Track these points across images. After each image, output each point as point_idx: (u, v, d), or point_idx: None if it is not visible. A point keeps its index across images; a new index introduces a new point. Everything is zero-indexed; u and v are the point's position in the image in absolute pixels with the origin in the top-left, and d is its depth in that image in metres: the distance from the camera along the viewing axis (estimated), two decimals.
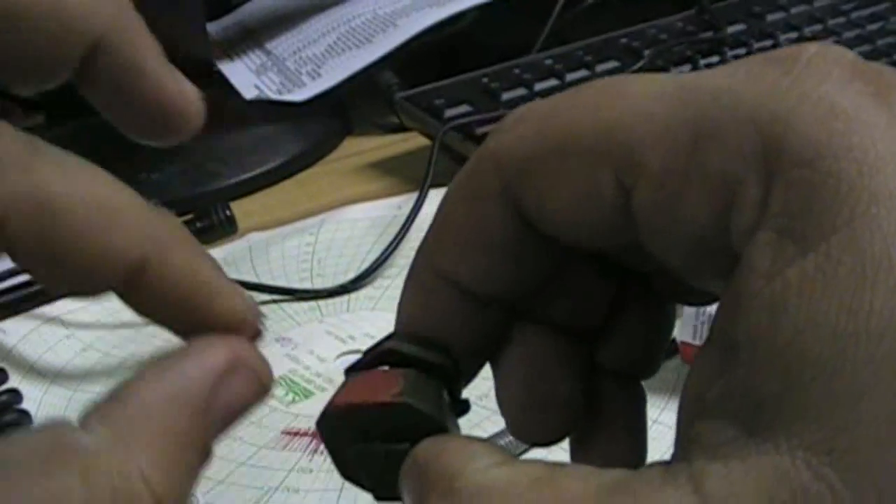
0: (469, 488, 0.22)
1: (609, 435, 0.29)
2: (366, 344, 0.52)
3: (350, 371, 0.28)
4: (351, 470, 0.28)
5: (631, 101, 0.23)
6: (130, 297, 0.27)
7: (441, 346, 0.27)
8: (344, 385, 0.27)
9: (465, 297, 0.27)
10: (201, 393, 0.24)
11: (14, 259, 0.25)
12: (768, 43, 0.76)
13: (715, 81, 0.22)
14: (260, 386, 0.25)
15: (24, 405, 0.47)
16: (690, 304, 0.30)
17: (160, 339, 0.53)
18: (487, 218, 0.25)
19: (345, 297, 0.57)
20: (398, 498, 0.26)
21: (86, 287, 0.26)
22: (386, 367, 0.27)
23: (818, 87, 0.20)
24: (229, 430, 0.25)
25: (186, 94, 0.29)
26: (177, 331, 0.28)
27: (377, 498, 0.27)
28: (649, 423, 0.44)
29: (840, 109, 0.20)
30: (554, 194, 0.24)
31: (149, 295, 0.26)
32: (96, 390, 0.52)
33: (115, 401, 0.23)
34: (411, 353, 0.27)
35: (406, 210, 0.62)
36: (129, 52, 0.28)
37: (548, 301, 0.28)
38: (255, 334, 0.28)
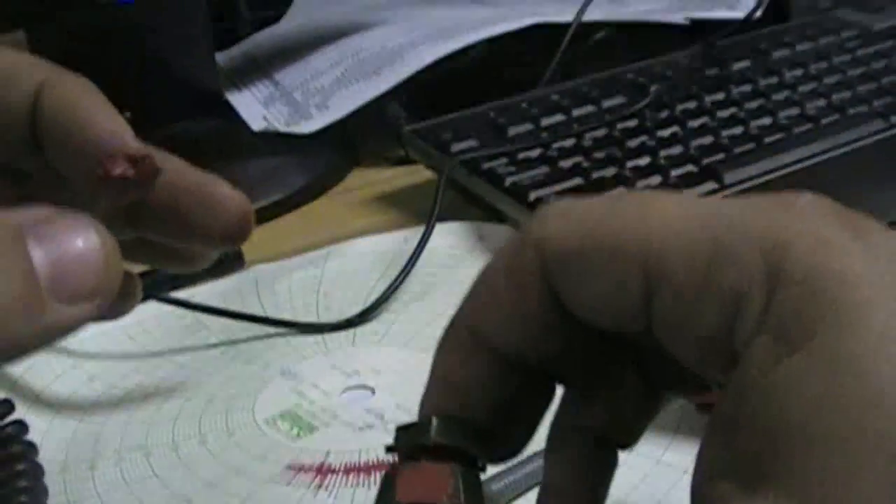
0: None
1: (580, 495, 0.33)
2: (371, 379, 0.52)
3: (392, 450, 0.32)
4: None
5: (663, 218, 0.28)
6: (36, 126, 0.30)
7: (471, 426, 0.31)
8: (395, 476, 0.30)
9: (499, 360, 0.31)
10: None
11: None
12: (773, 80, 0.77)
13: (731, 211, 0.27)
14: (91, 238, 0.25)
15: (30, 436, 0.48)
16: (681, 394, 0.34)
17: (164, 370, 0.53)
18: (526, 293, 0.30)
19: (350, 331, 0.57)
20: None
21: (4, 110, 0.30)
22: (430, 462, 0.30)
23: (810, 224, 0.26)
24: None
25: (119, 134, 0.30)
26: (70, 165, 0.31)
27: None
28: (654, 462, 0.44)
29: (827, 242, 0.25)
30: (588, 285, 0.29)
31: (45, 114, 0.30)
32: (101, 421, 0.52)
33: None
34: (454, 444, 0.31)
35: (412, 244, 0.62)
36: (71, 94, 0.30)
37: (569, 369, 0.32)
38: (137, 158, 0.29)
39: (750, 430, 0.24)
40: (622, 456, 0.45)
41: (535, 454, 0.45)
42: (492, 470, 0.44)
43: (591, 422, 0.33)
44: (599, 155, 0.67)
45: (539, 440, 0.46)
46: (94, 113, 0.30)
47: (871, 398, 0.23)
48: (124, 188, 0.30)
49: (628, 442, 0.34)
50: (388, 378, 0.52)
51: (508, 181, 0.64)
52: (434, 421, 0.31)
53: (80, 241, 0.25)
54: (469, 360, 0.31)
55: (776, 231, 0.26)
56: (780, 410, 0.24)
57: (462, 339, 0.31)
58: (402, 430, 0.32)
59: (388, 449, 0.32)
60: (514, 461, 0.44)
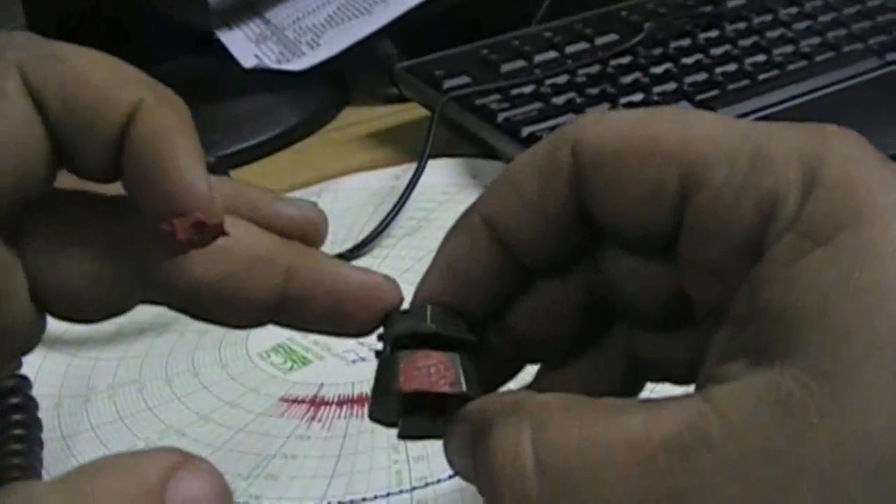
0: (533, 404, 0.27)
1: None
2: None
3: (392, 344, 0.31)
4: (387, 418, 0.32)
5: (704, 126, 0.29)
6: (121, 152, 0.29)
7: (465, 317, 0.32)
8: (393, 363, 0.30)
9: (509, 257, 0.31)
10: (153, 487, 0.24)
11: (43, 110, 0.29)
12: (768, 18, 0.76)
13: (769, 128, 0.28)
14: (214, 478, 0.25)
15: (24, 370, 0.48)
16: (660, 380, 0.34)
17: (157, 308, 0.53)
18: (553, 193, 0.30)
19: None
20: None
21: (96, 129, 0.29)
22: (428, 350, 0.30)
23: (844, 144, 0.27)
24: None
25: (194, 183, 0.29)
26: (142, 203, 0.30)
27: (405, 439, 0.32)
28: (646, 391, 0.44)
29: (858, 158, 0.27)
30: (621, 189, 0.29)
31: (131, 148, 0.29)
32: (95, 356, 0.52)
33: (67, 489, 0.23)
34: (450, 335, 0.31)
35: (405, 180, 0.62)
36: (163, 129, 0.30)
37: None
38: (207, 225, 0.29)
39: (764, 318, 0.25)
40: None
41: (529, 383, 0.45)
42: (514, 384, 0.44)
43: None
44: (593, 91, 0.66)
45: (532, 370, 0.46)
46: (179, 158, 0.29)
47: (887, 288, 0.24)
48: (183, 248, 0.30)
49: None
50: None
51: (501, 117, 0.64)
52: (430, 309, 0.31)
53: (205, 485, 0.25)
54: (479, 251, 0.31)
55: (813, 145, 0.27)
56: (796, 297, 0.25)
57: (476, 228, 0.31)
58: (396, 317, 0.32)
59: (379, 337, 0.32)
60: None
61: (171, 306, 0.33)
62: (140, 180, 0.29)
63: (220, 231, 0.29)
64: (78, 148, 0.30)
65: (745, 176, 0.27)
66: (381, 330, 0.33)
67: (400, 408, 0.30)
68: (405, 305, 0.33)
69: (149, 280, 0.32)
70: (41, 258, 0.31)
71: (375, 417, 0.32)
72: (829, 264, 0.25)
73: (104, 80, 0.30)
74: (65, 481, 0.23)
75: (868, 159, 0.27)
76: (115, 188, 0.31)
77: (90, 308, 0.32)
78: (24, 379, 0.47)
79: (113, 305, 0.32)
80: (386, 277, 0.34)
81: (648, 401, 0.26)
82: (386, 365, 0.31)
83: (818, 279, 0.25)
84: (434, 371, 0.30)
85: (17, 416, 0.45)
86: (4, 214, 0.29)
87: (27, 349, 0.32)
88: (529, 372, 0.35)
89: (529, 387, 0.34)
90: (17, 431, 0.44)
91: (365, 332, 0.34)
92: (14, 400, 0.46)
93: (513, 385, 0.35)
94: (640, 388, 0.35)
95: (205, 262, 0.32)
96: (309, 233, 0.35)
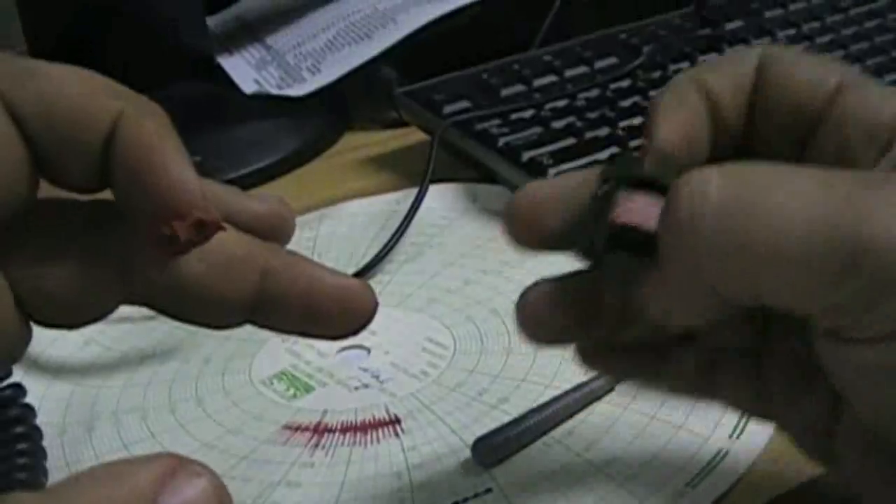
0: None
1: None
2: (366, 339, 0.52)
3: (612, 183, 0.32)
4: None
5: None
6: (107, 162, 0.30)
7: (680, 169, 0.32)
8: (614, 197, 0.31)
9: (714, 117, 0.34)
10: (146, 494, 0.24)
11: (23, 127, 0.29)
12: (767, 40, 0.76)
13: None
14: (210, 482, 0.25)
15: (28, 399, 0.48)
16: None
17: (160, 332, 0.54)
18: (744, 81, 0.34)
19: None
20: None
21: (78, 142, 0.30)
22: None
23: None
24: None
25: (189, 184, 0.30)
26: (136, 209, 0.30)
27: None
28: (647, 419, 0.45)
29: None
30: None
31: (117, 157, 0.30)
32: (98, 384, 0.52)
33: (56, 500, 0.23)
34: (667, 182, 0.31)
35: (405, 205, 0.62)
36: (148, 135, 0.30)
37: None
38: (207, 223, 0.29)
39: None
40: (618, 412, 0.45)
41: (554, 399, 0.45)
42: (515, 412, 0.45)
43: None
44: (592, 115, 0.67)
45: (537, 397, 0.47)
46: (167, 162, 0.30)
47: None
48: (186, 248, 0.30)
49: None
50: (382, 338, 0.52)
51: (501, 142, 0.64)
52: (650, 157, 0.33)
53: (199, 491, 0.25)
54: (695, 107, 0.34)
55: None
56: None
57: (688, 89, 0.34)
58: (620, 160, 0.34)
59: (601, 174, 0.33)
60: (512, 417, 0.44)
61: (150, 306, 0.33)
62: (132, 188, 0.30)
63: (217, 227, 0.30)
64: (61, 161, 0.30)
65: None
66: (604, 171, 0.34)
67: (609, 241, 0.31)
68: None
69: (130, 282, 0.32)
70: (24, 267, 0.31)
71: (583, 247, 0.34)
72: None
73: (82, 93, 0.30)
74: (54, 492, 0.23)
75: None
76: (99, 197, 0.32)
77: (74, 313, 0.32)
78: (29, 407, 0.47)
79: (96, 309, 0.33)
80: (362, 282, 0.34)
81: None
82: (603, 199, 0.32)
83: None
84: (647, 211, 0.31)
85: (21, 445, 0.45)
86: None
87: (14, 358, 0.33)
88: None
89: None
90: (22, 461, 0.45)
91: (341, 336, 0.34)
92: (18, 429, 0.46)
93: None
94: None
95: (183, 262, 0.32)
96: (276, 227, 0.35)
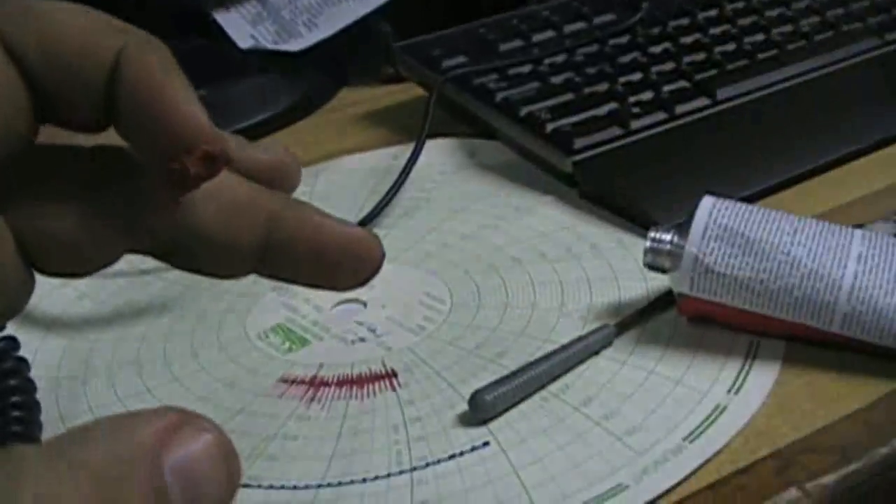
0: None
1: None
2: (362, 293, 0.52)
3: None
4: None
5: None
6: (111, 99, 0.29)
7: None
8: None
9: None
10: (148, 449, 0.23)
11: (23, 65, 0.29)
12: None
13: None
14: (216, 437, 0.24)
15: (22, 352, 0.47)
16: None
17: (155, 287, 0.53)
18: None
19: None
20: None
21: (81, 79, 0.29)
22: None
23: None
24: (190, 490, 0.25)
25: (196, 117, 0.29)
26: (143, 145, 0.30)
27: None
28: (645, 373, 0.44)
29: None
30: None
31: (122, 92, 0.29)
32: (93, 338, 0.52)
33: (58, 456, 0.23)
34: None
35: (402, 160, 0.62)
36: (151, 69, 0.29)
37: None
38: (216, 156, 0.29)
39: None
40: (616, 367, 0.45)
41: (552, 353, 0.45)
42: (512, 365, 0.44)
43: None
44: (591, 70, 0.66)
45: (534, 352, 0.46)
46: (174, 95, 0.29)
47: None
48: (196, 182, 0.30)
49: None
50: (379, 292, 0.52)
51: (499, 97, 0.64)
52: None
53: (204, 446, 0.24)
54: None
55: None
56: None
57: None
58: None
59: None
60: (509, 371, 0.44)
61: (155, 255, 0.33)
62: (139, 123, 0.29)
63: (227, 159, 0.29)
64: (63, 100, 0.30)
65: None
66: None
67: None
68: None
69: (135, 229, 0.31)
70: (27, 215, 0.30)
71: None
72: None
73: (83, 29, 0.29)
74: (55, 446, 0.23)
75: None
76: (101, 138, 0.31)
77: (78, 261, 0.32)
78: (22, 360, 0.47)
79: (101, 258, 0.32)
80: (369, 232, 0.33)
81: None
82: None
83: None
84: None
85: (15, 398, 0.45)
86: None
87: (17, 308, 0.32)
88: None
89: None
90: (16, 413, 0.44)
91: (347, 286, 0.33)
92: (12, 381, 0.46)
93: None
94: None
95: (189, 207, 0.31)
96: (282, 176, 0.34)
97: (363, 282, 0.33)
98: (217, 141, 0.29)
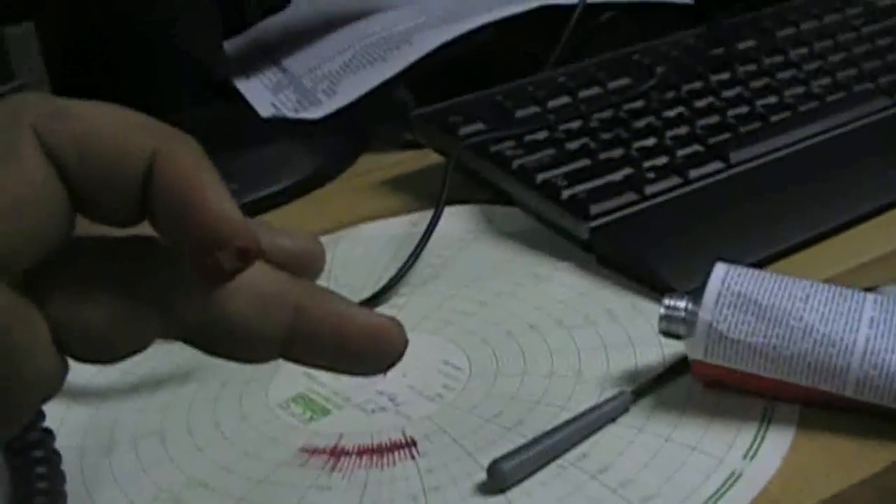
0: None
1: None
2: None
3: None
4: None
5: None
6: (146, 197, 0.30)
7: None
8: None
9: None
10: None
11: (59, 167, 0.30)
12: (779, 59, 0.77)
13: None
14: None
15: (47, 423, 0.48)
16: None
17: (178, 355, 0.54)
18: None
19: None
20: None
21: (116, 180, 0.30)
22: None
23: None
24: None
25: (229, 215, 0.30)
26: (177, 241, 0.31)
27: None
28: (661, 440, 0.45)
29: None
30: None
31: (157, 192, 0.30)
32: (117, 407, 0.52)
33: None
34: None
35: (421, 227, 0.63)
36: (185, 168, 0.30)
37: None
38: (249, 250, 0.30)
39: None
40: (632, 434, 0.46)
41: (569, 421, 0.46)
42: (530, 434, 0.45)
43: None
44: (606, 136, 0.67)
45: (552, 419, 0.47)
46: (208, 195, 0.30)
47: None
48: (230, 276, 0.31)
49: None
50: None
51: (516, 164, 0.65)
52: None
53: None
54: None
55: None
56: None
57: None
58: None
59: None
60: (527, 440, 0.45)
61: (185, 342, 0.34)
62: (174, 221, 0.30)
63: (259, 253, 0.30)
64: (99, 199, 0.31)
65: None
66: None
67: None
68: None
69: (166, 318, 0.32)
70: (62, 305, 0.31)
71: None
72: None
73: (118, 130, 0.30)
74: None
75: None
76: (134, 227, 0.32)
77: (111, 349, 0.32)
78: (48, 432, 0.48)
79: (133, 345, 0.33)
80: (392, 319, 0.34)
81: None
82: None
83: None
84: None
85: (40, 469, 0.46)
86: (26, 272, 0.30)
87: (51, 395, 0.33)
88: None
89: None
90: (41, 485, 0.45)
91: (372, 372, 0.34)
92: (38, 453, 0.46)
93: None
94: None
95: (219, 298, 0.32)
96: (307, 263, 0.35)
97: (385, 369, 0.34)
98: (250, 237, 0.30)
